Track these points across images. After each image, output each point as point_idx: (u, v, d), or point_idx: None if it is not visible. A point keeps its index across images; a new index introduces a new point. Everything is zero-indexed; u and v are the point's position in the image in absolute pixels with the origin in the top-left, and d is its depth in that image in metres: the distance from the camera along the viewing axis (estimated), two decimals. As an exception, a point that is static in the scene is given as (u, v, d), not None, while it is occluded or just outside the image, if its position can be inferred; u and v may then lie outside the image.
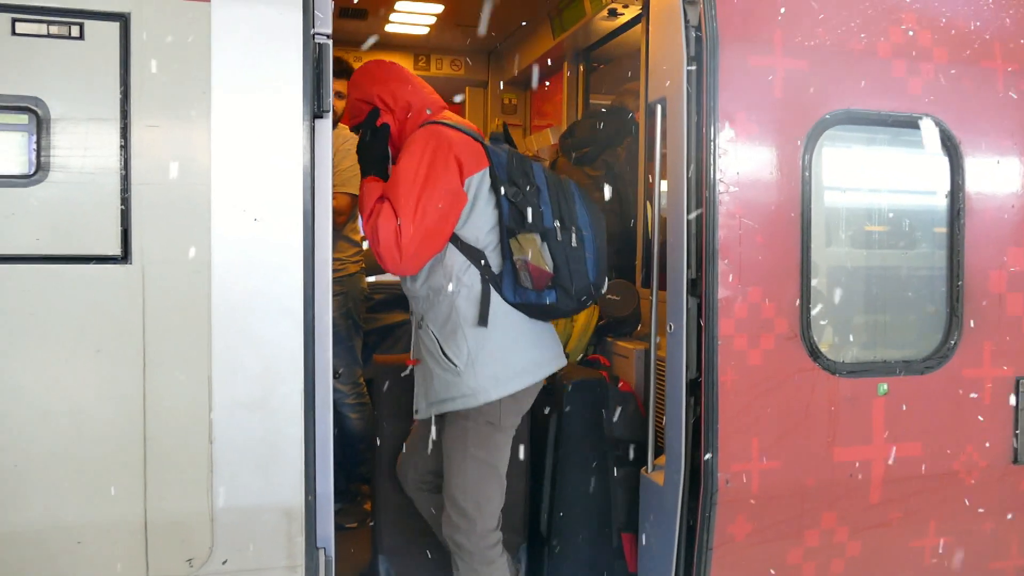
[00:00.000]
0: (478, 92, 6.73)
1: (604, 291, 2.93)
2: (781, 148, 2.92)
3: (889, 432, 3.03)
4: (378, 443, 3.63)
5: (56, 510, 2.38)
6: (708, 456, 2.86)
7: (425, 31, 5.97)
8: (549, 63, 5.79)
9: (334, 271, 4.47)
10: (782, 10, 2.92)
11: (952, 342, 3.13)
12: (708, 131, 2.84)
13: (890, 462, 3.03)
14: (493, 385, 2.78)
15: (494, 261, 2.83)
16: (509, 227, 2.79)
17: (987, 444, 3.17)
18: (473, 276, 2.82)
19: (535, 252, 2.76)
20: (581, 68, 5.58)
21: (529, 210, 2.77)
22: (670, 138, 3.05)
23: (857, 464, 3.01)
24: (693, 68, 2.89)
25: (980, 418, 3.15)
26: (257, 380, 2.51)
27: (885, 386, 3.04)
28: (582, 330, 4.30)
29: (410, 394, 3.06)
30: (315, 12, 2.62)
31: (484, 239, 2.84)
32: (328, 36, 2.65)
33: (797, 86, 2.92)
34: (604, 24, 4.97)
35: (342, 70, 4.26)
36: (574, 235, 2.79)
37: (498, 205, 2.81)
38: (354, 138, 4.56)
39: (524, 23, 5.68)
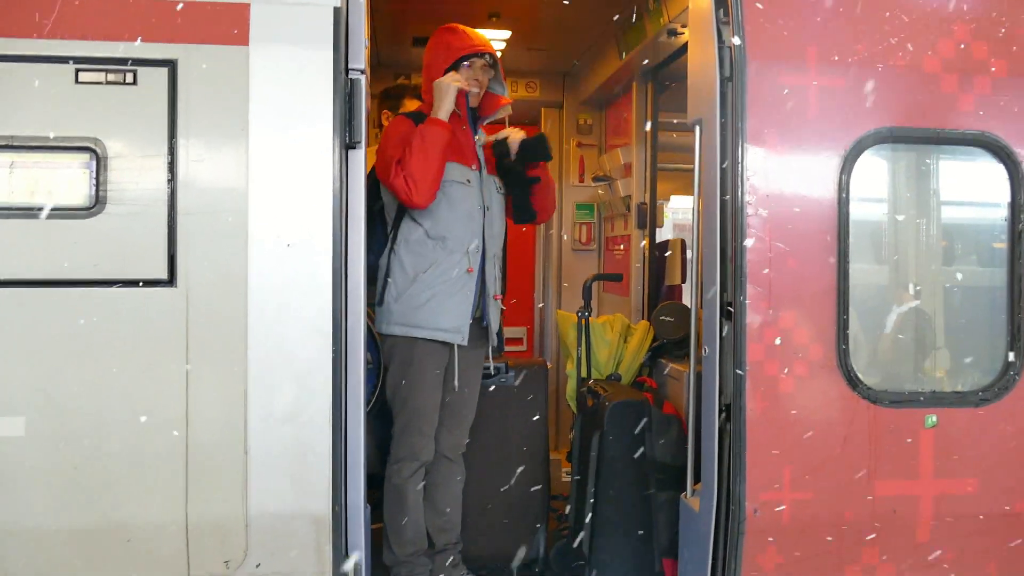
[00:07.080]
0: (553, 112, 6.80)
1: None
2: (816, 169, 2.83)
3: (938, 467, 2.87)
4: None
5: (109, 509, 2.62)
6: (735, 483, 2.80)
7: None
8: (619, 83, 5.79)
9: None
10: (816, 27, 2.84)
11: (1012, 373, 2.93)
12: (736, 152, 2.80)
13: (940, 499, 2.87)
14: None
15: None
16: None
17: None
18: None
19: None
20: (650, 87, 5.54)
21: None
22: (705, 158, 3.03)
23: (902, 499, 2.87)
24: (727, 88, 2.87)
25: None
26: (289, 395, 2.68)
27: (934, 418, 2.88)
28: (635, 350, 4.27)
29: None
30: (349, 50, 2.78)
31: None
32: (361, 71, 2.81)
33: (832, 105, 2.84)
34: (669, 43, 4.93)
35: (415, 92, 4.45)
36: None
37: None
38: None
39: (591, 45, 5.71)
